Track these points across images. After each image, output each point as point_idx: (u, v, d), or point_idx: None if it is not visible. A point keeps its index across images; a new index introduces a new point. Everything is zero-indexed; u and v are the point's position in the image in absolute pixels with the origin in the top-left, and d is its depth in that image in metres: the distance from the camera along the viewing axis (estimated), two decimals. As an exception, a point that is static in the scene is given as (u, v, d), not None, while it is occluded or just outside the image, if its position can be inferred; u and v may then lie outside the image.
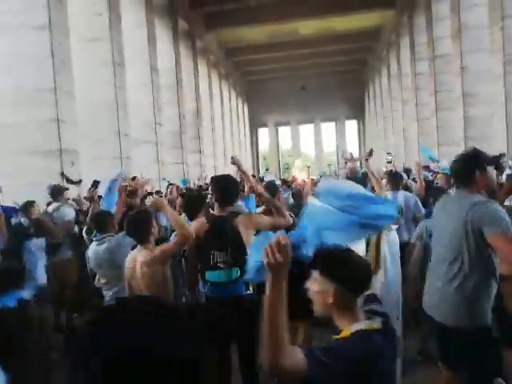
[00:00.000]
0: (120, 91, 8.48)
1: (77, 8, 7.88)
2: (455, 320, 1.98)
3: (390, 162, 7.71)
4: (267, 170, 18.01)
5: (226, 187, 2.59)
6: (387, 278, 2.82)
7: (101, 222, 3.14)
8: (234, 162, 2.97)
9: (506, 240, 1.83)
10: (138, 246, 2.61)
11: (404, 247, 3.52)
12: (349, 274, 1.27)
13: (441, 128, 11.87)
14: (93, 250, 3.10)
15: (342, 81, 26.52)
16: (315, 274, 1.30)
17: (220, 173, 17.48)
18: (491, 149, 8.81)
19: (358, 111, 28.16)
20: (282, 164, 32.97)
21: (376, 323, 1.28)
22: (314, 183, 5.73)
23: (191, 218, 3.01)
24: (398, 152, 17.88)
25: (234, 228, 2.38)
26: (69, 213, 4.63)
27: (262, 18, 15.54)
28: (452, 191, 5.07)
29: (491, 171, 2.12)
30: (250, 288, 2.52)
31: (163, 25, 12.83)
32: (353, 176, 6.32)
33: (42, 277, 3.87)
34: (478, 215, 1.91)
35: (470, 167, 2.07)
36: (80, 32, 7.91)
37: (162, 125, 11.16)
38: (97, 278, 3.16)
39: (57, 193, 4.81)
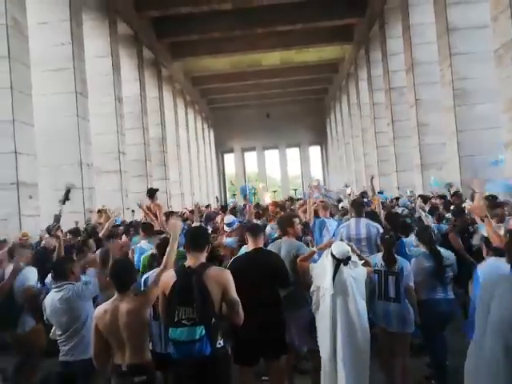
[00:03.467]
0: (82, 121, 8.32)
1: (40, 38, 7.77)
2: None
3: (349, 195, 8.10)
4: (234, 195, 18.04)
5: (196, 235, 2.55)
6: (358, 309, 2.85)
7: (59, 269, 2.94)
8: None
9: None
10: (117, 295, 2.40)
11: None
12: None
13: (398, 155, 12.45)
14: (49, 298, 2.89)
15: (305, 108, 27.42)
16: None
17: (186, 200, 17.16)
18: (446, 175, 9.33)
19: (320, 137, 29.05)
20: (248, 189, 33.10)
21: None
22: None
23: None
24: (359, 177, 18.51)
25: (202, 282, 2.27)
26: (31, 277, 3.80)
27: (227, 49, 15.93)
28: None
29: None
30: (221, 341, 2.34)
31: (128, 54, 12.84)
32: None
33: None
34: None
35: None
36: (42, 62, 7.77)
37: (125, 153, 10.99)
38: (53, 329, 2.95)
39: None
